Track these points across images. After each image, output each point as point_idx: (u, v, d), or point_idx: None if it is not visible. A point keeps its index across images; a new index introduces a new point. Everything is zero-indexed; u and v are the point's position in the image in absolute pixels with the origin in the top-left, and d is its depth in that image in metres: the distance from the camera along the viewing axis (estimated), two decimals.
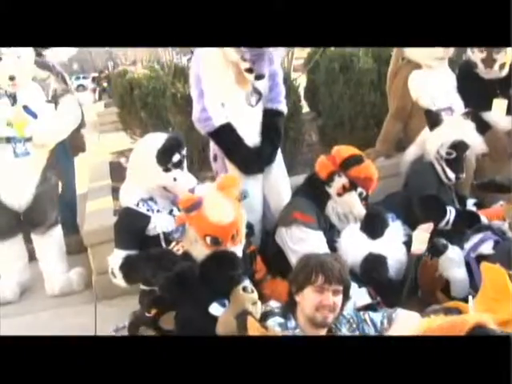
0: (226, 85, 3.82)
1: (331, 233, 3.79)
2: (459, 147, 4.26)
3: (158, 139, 3.72)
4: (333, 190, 3.80)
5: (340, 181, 3.77)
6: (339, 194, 3.78)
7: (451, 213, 4.13)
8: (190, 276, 3.10)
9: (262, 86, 4.01)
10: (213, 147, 4.12)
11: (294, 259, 3.48)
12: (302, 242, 3.52)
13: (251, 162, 3.96)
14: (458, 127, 4.32)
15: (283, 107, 4.17)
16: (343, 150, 3.86)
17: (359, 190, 3.79)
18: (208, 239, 3.23)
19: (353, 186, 3.77)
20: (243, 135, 3.94)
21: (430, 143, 4.35)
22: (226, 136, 3.93)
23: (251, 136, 3.99)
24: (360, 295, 3.42)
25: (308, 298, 2.74)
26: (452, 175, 4.25)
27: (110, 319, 4.03)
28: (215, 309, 3.05)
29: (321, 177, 3.84)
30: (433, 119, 4.37)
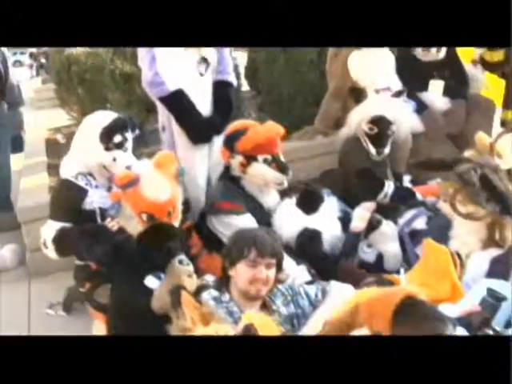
0: (176, 52, 3.77)
1: (263, 210, 3.78)
2: (381, 123, 4.28)
3: (106, 117, 3.67)
4: (236, 171, 3.74)
5: (236, 161, 3.70)
6: (243, 172, 3.71)
7: (390, 186, 4.17)
8: (126, 248, 3.08)
9: (210, 55, 4.00)
10: (162, 118, 4.12)
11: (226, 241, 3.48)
12: (232, 226, 3.49)
13: (202, 129, 3.97)
14: (380, 103, 4.39)
15: (232, 78, 4.20)
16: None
17: (260, 157, 3.68)
18: (144, 216, 3.22)
19: (249, 158, 3.67)
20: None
21: (353, 118, 4.39)
22: (179, 101, 3.91)
23: (202, 106, 3.99)
24: (299, 273, 3.43)
25: (241, 273, 2.75)
26: (373, 150, 4.28)
27: (45, 296, 4.01)
28: (151, 281, 3.02)
29: (226, 163, 3.82)
30: (356, 95, 4.42)
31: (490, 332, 2.42)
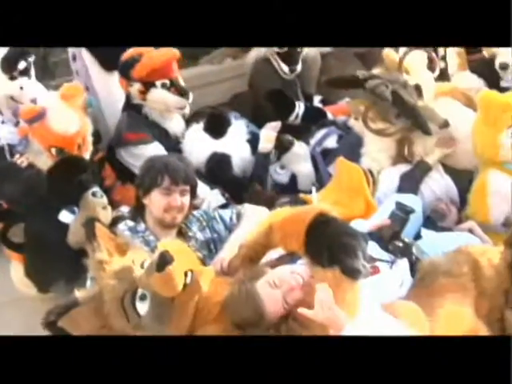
0: None
1: (169, 137, 3.75)
2: None
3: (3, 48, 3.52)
4: (136, 99, 3.66)
5: (134, 89, 3.63)
6: (144, 99, 3.64)
7: (300, 107, 4.15)
8: (37, 184, 3.00)
9: None
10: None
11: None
12: (141, 156, 3.44)
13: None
14: None
15: None
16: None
17: (158, 82, 3.60)
18: (53, 150, 3.14)
19: (147, 85, 3.61)
20: None
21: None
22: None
23: None
24: (213, 197, 3.44)
25: (155, 201, 2.73)
26: (285, 68, 4.22)
27: None
28: (65, 216, 2.98)
29: (126, 92, 3.75)
30: None
31: (400, 244, 2.50)
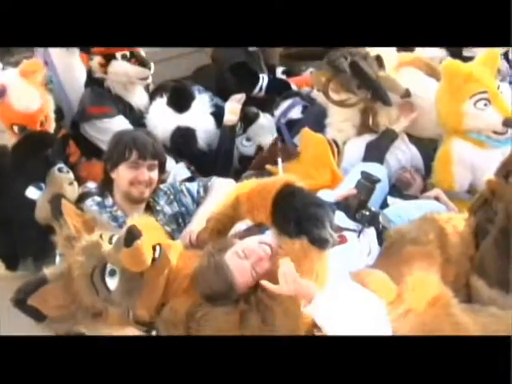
0: None
1: (133, 111, 3.72)
2: None
3: None
4: (97, 73, 3.64)
5: (94, 62, 3.62)
6: (105, 72, 3.62)
7: (264, 79, 4.16)
8: (2, 162, 2.95)
9: None
10: None
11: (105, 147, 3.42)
12: (106, 130, 3.41)
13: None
14: None
15: None
16: None
17: (118, 54, 3.58)
18: (15, 128, 3.08)
19: (107, 57, 3.59)
20: None
21: None
22: None
23: None
24: (179, 170, 3.43)
25: (123, 175, 2.71)
26: None
27: None
28: (32, 192, 2.94)
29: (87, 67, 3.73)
30: None
31: (367, 213, 2.53)
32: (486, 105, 3.11)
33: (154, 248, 2.13)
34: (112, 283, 2.13)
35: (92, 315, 2.21)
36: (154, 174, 2.76)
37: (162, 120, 3.59)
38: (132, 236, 2.05)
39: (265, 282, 2.03)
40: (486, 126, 3.16)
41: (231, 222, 2.43)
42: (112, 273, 2.13)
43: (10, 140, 3.07)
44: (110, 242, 2.19)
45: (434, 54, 3.83)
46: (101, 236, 2.24)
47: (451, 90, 3.16)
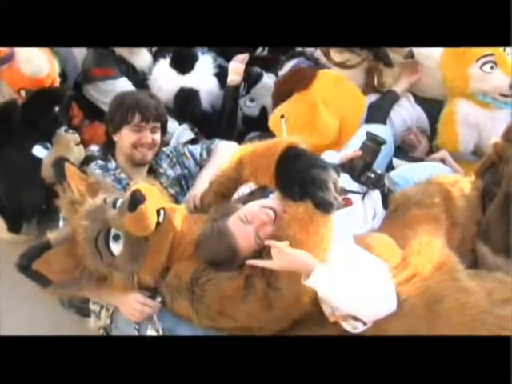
0: None
1: (137, 72, 3.66)
2: None
3: None
4: None
5: None
6: None
7: None
8: (12, 115, 2.93)
9: None
10: None
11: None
12: (110, 92, 3.37)
13: None
14: None
15: None
16: None
17: None
18: (22, 93, 3.05)
19: None
20: None
21: None
22: None
23: None
24: (182, 132, 3.41)
25: (126, 138, 2.69)
26: None
27: None
28: (38, 150, 2.95)
29: None
30: None
31: (372, 175, 2.49)
32: (492, 68, 3.07)
33: (157, 212, 2.12)
34: (116, 248, 2.13)
35: (96, 280, 2.20)
36: (157, 137, 2.75)
37: (165, 81, 3.55)
38: (136, 200, 2.04)
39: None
40: (493, 89, 3.12)
41: (235, 184, 2.42)
42: (116, 237, 2.12)
43: None
44: (114, 206, 2.16)
45: None
46: (105, 200, 2.22)
47: (457, 53, 3.11)
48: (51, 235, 2.19)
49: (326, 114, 3.15)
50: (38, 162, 2.92)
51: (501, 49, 3.08)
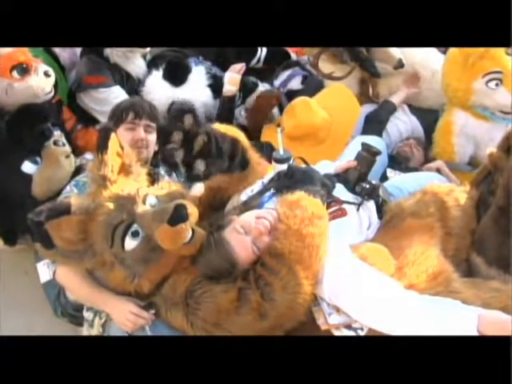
0: None
1: (132, 79, 3.68)
2: None
3: None
4: None
5: None
6: None
7: (262, 50, 4.10)
8: None
9: None
10: None
11: (103, 119, 3.41)
12: (104, 101, 3.41)
13: None
14: None
15: None
16: None
17: None
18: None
19: None
20: None
21: None
22: None
23: None
24: None
25: (122, 138, 2.65)
26: None
27: None
28: (28, 167, 2.94)
29: None
30: None
31: (367, 186, 2.49)
32: (497, 85, 3.07)
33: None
34: (130, 244, 2.04)
35: (97, 262, 2.14)
36: (152, 137, 2.78)
37: (158, 94, 3.55)
38: (179, 217, 1.97)
39: None
40: (494, 106, 3.13)
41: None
42: (135, 234, 2.04)
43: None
44: (144, 202, 2.10)
45: None
46: (138, 191, 2.14)
47: (464, 65, 3.11)
48: (74, 201, 2.09)
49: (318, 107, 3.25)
50: (28, 178, 2.92)
51: (509, 66, 3.08)
